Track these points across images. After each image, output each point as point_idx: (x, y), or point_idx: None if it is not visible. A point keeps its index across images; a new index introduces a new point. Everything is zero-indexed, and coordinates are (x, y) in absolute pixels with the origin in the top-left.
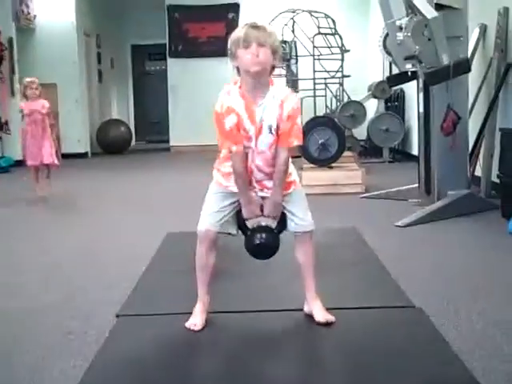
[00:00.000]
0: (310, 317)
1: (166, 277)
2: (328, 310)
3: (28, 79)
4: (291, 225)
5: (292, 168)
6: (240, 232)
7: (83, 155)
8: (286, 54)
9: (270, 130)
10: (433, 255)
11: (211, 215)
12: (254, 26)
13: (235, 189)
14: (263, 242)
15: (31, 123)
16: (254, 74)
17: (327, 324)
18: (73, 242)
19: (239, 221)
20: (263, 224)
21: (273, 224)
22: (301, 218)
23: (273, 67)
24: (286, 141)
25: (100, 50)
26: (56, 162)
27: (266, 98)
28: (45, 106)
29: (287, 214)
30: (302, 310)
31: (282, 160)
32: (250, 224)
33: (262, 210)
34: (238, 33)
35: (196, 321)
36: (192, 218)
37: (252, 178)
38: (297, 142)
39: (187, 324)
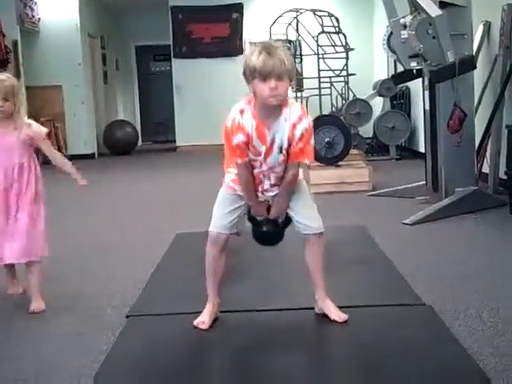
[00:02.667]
0: (320, 316)
1: (175, 277)
2: (338, 308)
3: None
4: (298, 226)
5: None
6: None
7: (90, 156)
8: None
9: (281, 150)
10: (441, 252)
11: (223, 217)
12: (270, 54)
13: None
14: (269, 230)
15: None
16: (272, 106)
17: (342, 322)
18: (81, 243)
19: (249, 213)
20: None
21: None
22: (306, 220)
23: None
24: (296, 158)
25: (105, 52)
26: (37, 256)
27: (278, 120)
28: (29, 136)
29: (292, 215)
30: (312, 308)
31: (291, 175)
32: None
33: (268, 210)
34: (254, 60)
35: (204, 319)
36: (201, 218)
37: (259, 187)
38: (307, 160)
39: (195, 322)
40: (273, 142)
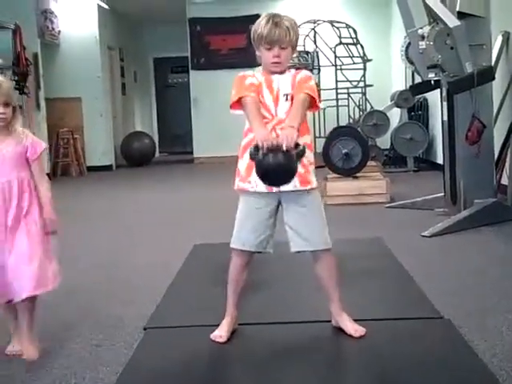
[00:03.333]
0: (337, 329)
1: (193, 289)
2: (355, 321)
3: None
4: (306, 244)
5: (313, 173)
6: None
7: (108, 168)
8: (308, 65)
9: (286, 98)
10: (460, 265)
11: (246, 233)
12: (277, 24)
13: (260, 187)
14: (276, 161)
15: None
16: (274, 71)
17: (360, 336)
18: (98, 255)
19: (253, 150)
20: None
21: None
22: (315, 236)
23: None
24: (299, 91)
25: (123, 64)
26: (50, 286)
27: (283, 75)
28: (26, 148)
29: (301, 232)
30: (329, 321)
31: (296, 101)
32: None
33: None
34: (261, 27)
35: (221, 333)
36: (218, 229)
37: None
38: (308, 91)
39: (212, 335)
40: (279, 89)
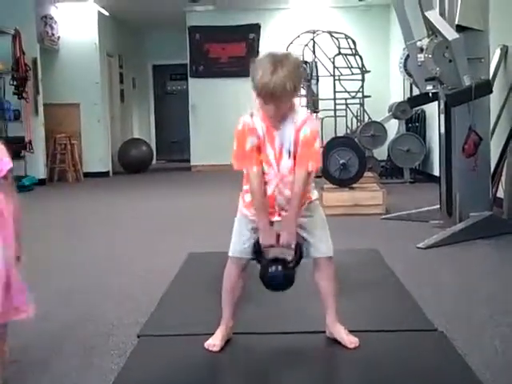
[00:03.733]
0: (331, 340)
1: (187, 297)
2: (350, 332)
3: None
4: (310, 250)
5: (313, 187)
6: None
7: (105, 174)
8: (306, 75)
9: (289, 155)
10: (455, 278)
11: (241, 243)
12: (276, 69)
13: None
14: (278, 274)
15: None
16: (273, 120)
17: (353, 348)
18: (93, 261)
19: (255, 247)
20: (280, 256)
21: (289, 256)
22: (319, 243)
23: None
24: (302, 163)
25: (122, 71)
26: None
27: (285, 123)
28: None
29: (303, 235)
30: (324, 332)
31: (297, 180)
32: (265, 254)
33: (278, 242)
34: (257, 79)
35: (215, 341)
36: (214, 238)
37: (275, 204)
38: (312, 165)
39: (206, 344)
40: (282, 145)
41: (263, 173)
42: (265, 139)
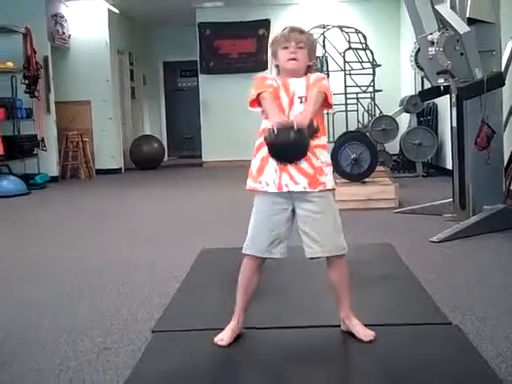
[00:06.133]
0: (346, 333)
1: (201, 292)
2: (364, 326)
3: None
4: (323, 250)
5: (330, 172)
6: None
7: (117, 171)
8: (317, 69)
9: (301, 100)
10: (469, 271)
11: (260, 239)
12: (295, 29)
13: (271, 187)
14: (290, 137)
15: None
16: (290, 70)
17: (368, 341)
18: (106, 257)
19: (270, 134)
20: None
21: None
22: (331, 242)
23: (308, 66)
24: (312, 88)
25: (133, 68)
26: None
27: (299, 79)
28: None
29: (316, 238)
30: (339, 326)
31: (310, 94)
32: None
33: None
34: (279, 34)
35: (224, 336)
36: (227, 233)
37: None
38: (321, 89)
39: (216, 338)
40: (294, 93)
41: None
42: (280, 88)
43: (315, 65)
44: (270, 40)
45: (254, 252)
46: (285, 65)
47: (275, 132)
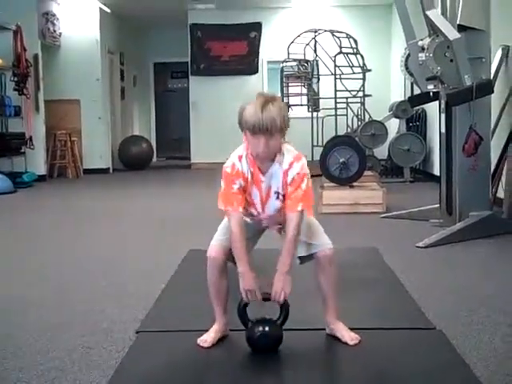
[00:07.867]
0: (331, 337)
1: (186, 294)
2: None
3: None
4: (309, 249)
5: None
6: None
7: (105, 171)
8: (308, 73)
9: (278, 196)
10: (454, 277)
11: (220, 241)
12: (264, 110)
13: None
14: (266, 335)
15: None
16: (261, 158)
17: (353, 345)
18: (92, 258)
19: (239, 308)
20: (266, 317)
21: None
22: (314, 239)
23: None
24: (292, 206)
25: (123, 68)
26: None
27: (273, 166)
28: None
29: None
30: (323, 329)
31: (291, 227)
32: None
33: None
34: (247, 114)
35: (207, 337)
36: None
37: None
38: (301, 206)
39: (199, 340)
40: (269, 188)
41: (250, 214)
42: (251, 181)
43: (301, 64)
44: (239, 114)
45: (213, 253)
46: (255, 152)
47: (250, 325)
